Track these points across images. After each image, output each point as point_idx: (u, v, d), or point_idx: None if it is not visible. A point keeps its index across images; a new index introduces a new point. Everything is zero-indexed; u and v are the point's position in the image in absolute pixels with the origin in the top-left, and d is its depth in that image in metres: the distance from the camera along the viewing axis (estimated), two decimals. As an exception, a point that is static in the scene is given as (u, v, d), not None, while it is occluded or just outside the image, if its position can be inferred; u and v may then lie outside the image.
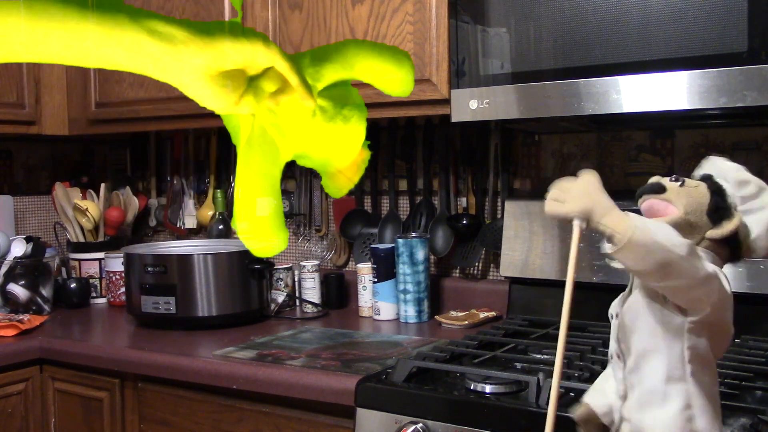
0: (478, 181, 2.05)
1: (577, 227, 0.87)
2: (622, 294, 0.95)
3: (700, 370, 0.88)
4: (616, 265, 0.93)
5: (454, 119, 1.64)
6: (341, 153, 0.74)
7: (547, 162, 1.99)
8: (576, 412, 0.97)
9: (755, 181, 0.92)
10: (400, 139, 2.16)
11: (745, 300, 1.60)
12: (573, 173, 0.90)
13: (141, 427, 1.76)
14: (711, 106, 1.36)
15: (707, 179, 0.93)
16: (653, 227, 0.85)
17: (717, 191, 0.91)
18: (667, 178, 0.93)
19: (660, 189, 0.92)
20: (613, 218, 0.84)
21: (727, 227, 0.89)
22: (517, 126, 1.94)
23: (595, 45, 1.46)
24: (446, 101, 1.68)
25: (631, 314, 0.92)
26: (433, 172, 2.12)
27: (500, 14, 1.57)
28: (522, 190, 2.02)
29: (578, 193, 0.88)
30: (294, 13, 1.92)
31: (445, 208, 2.09)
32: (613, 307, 0.96)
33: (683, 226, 0.89)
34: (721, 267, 0.91)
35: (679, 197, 0.91)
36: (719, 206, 0.90)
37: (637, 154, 1.87)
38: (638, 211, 0.93)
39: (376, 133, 2.20)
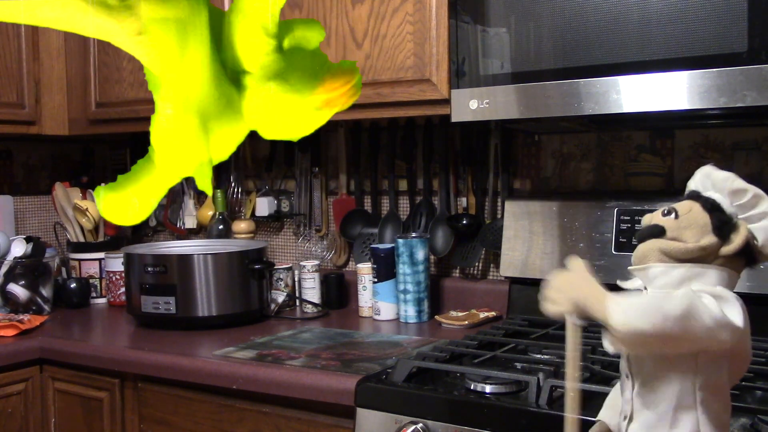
0: (478, 181, 2.05)
1: (570, 325, 0.88)
2: None
3: (711, 398, 0.87)
4: (625, 285, 0.93)
5: (454, 119, 1.64)
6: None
7: (547, 162, 1.99)
8: (591, 431, 0.96)
9: (751, 189, 0.91)
10: (400, 139, 2.16)
11: (745, 300, 1.60)
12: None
13: (141, 427, 1.76)
14: (711, 106, 1.36)
15: (696, 197, 0.92)
16: (641, 304, 0.84)
17: (713, 207, 0.90)
18: (658, 214, 0.92)
19: (660, 232, 0.91)
20: (602, 305, 0.84)
21: (737, 241, 0.89)
22: (517, 126, 1.94)
23: (595, 45, 1.46)
24: (446, 101, 1.68)
25: None
26: (433, 172, 2.12)
27: (500, 14, 1.57)
28: (522, 190, 2.02)
29: (566, 288, 0.87)
30: (294, 13, 1.92)
31: (445, 208, 2.09)
32: None
33: (697, 254, 0.89)
34: (737, 278, 0.90)
35: (681, 230, 0.90)
36: (723, 221, 0.89)
37: (637, 154, 1.88)
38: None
39: (376, 133, 2.20)
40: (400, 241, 1.97)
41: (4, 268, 2.18)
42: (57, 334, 1.97)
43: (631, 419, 0.90)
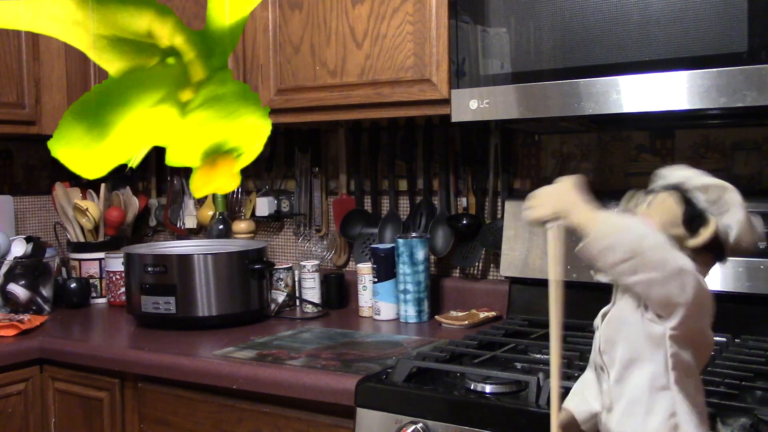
0: (478, 181, 2.05)
1: (550, 230, 0.89)
2: (605, 308, 0.96)
3: (684, 379, 0.89)
4: (599, 278, 0.94)
5: (454, 119, 1.64)
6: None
7: (547, 162, 1.99)
8: (557, 418, 0.96)
9: (716, 183, 0.93)
10: (400, 139, 2.16)
11: (745, 300, 1.60)
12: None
13: (141, 427, 1.76)
14: (711, 106, 1.36)
15: (673, 188, 0.94)
16: (622, 220, 0.86)
17: (687, 201, 0.92)
18: (641, 193, 0.95)
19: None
20: (583, 214, 0.86)
21: (704, 234, 0.90)
22: (517, 126, 1.94)
23: (595, 45, 1.46)
24: (446, 101, 1.68)
25: (614, 326, 0.93)
26: (433, 172, 2.12)
27: (500, 14, 1.57)
28: (522, 190, 2.02)
29: (549, 196, 0.90)
30: (294, 13, 1.92)
31: (445, 208, 2.09)
32: (597, 320, 0.97)
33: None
34: (706, 273, 0.91)
35: (653, 212, 0.92)
36: (693, 215, 0.91)
37: (637, 154, 1.88)
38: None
39: (376, 133, 2.20)
40: (400, 241, 1.97)
41: (4, 268, 2.18)
42: (57, 334, 1.97)
43: (610, 410, 0.91)
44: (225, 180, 0.75)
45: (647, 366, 0.89)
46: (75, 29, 0.62)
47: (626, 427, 0.90)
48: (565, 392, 1.21)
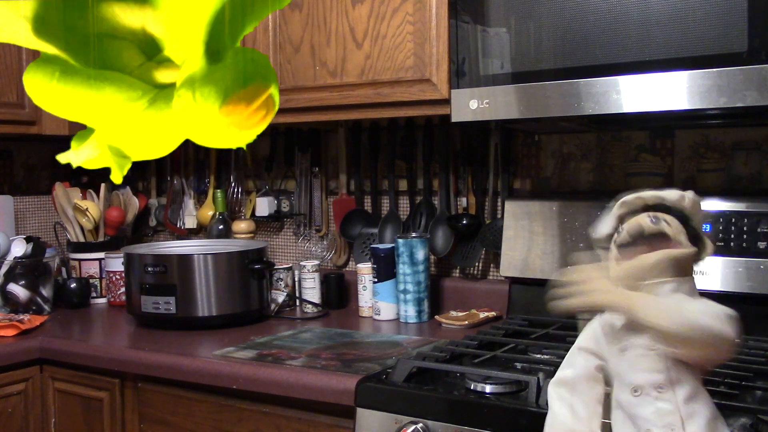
0: (478, 181, 2.05)
1: (597, 321, 0.89)
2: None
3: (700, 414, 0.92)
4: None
5: (454, 119, 1.64)
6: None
7: (547, 162, 1.99)
8: None
9: (687, 194, 0.95)
10: (400, 139, 2.16)
11: (745, 300, 1.60)
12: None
13: (141, 427, 1.76)
14: (711, 106, 1.36)
15: (667, 209, 0.94)
16: (669, 308, 0.85)
17: (685, 220, 0.93)
18: (647, 221, 0.91)
19: (663, 234, 0.91)
20: (624, 302, 0.85)
21: (710, 247, 0.92)
22: (517, 126, 1.94)
23: (595, 45, 1.46)
24: (446, 101, 1.68)
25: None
26: (433, 172, 2.12)
27: (500, 14, 1.57)
28: (522, 190, 2.02)
29: (585, 284, 0.87)
30: (294, 13, 1.92)
31: (445, 208, 2.09)
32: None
33: (693, 258, 0.92)
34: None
35: (678, 235, 0.91)
36: (695, 232, 0.93)
37: (637, 154, 1.87)
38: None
39: (376, 133, 2.20)
40: (400, 241, 1.97)
41: (4, 268, 2.18)
42: (57, 334, 1.97)
43: (683, 428, 0.89)
44: (252, 127, 0.68)
45: (698, 381, 0.91)
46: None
47: None
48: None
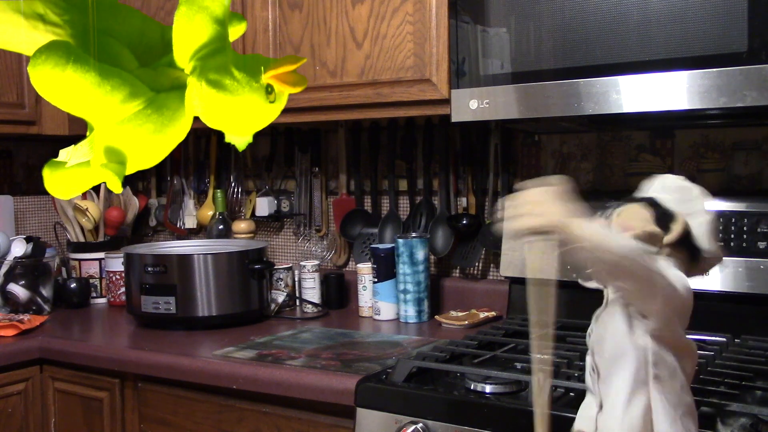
0: (478, 181, 2.05)
1: (539, 242, 0.90)
2: (597, 310, 0.98)
3: (667, 378, 0.91)
4: (585, 283, 0.98)
5: (454, 119, 1.64)
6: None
7: (547, 162, 1.98)
8: None
9: (687, 186, 0.98)
10: (400, 139, 2.16)
11: (745, 300, 1.60)
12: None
13: (141, 427, 1.76)
14: (711, 106, 1.36)
15: (632, 200, 0.98)
16: (605, 232, 0.89)
17: (652, 203, 0.96)
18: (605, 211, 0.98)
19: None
20: (573, 226, 0.88)
21: (676, 228, 0.94)
22: (517, 126, 1.94)
23: (595, 45, 1.46)
24: (446, 101, 1.68)
25: (604, 324, 0.96)
26: (433, 172, 2.12)
27: (500, 14, 1.57)
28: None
29: (537, 205, 0.89)
30: (294, 13, 1.92)
31: (445, 208, 2.09)
32: (591, 325, 1.00)
33: (645, 239, 0.94)
34: (685, 269, 0.95)
35: (626, 222, 0.95)
36: (662, 212, 0.95)
37: (637, 154, 1.88)
38: None
39: (376, 133, 2.20)
40: (400, 241, 1.97)
41: (4, 268, 2.18)
42: (57, 334, 1.97)
43: (602, 409, 0.94)
44: (265, 113, 0.67)
45: (630, 362, 0.91)
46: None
47: (609, 423, 0.91)
48: (565, 391, 1.21)
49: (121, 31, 0.65)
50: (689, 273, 0.95)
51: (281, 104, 0.67)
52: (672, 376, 0.91)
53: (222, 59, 0.63)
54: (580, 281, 0.98)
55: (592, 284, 0.97)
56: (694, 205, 0.97)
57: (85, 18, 0.62)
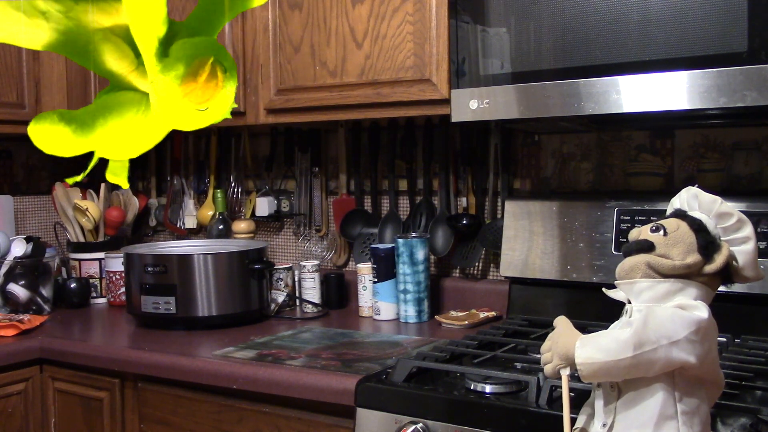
0: (478, 181, 2.05)
1: (564, 377, 0.96)
2: (615, 323, 0.98)
3: (692, 412, 0.92)
4: (611, 294, 1.01)
5: (454, 119, 1.64)
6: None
7: (547, 162, 1.98)
8: None
9: (736, 214, 0.97)
10: (400, 139, 2.16)
11: (745, 300, 1.60)
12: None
13: (141, 427, 1.76)
14: (711, 106, 1.36)
15: (682, 216, 0.97)
16: (600, 344, 0.91)
17: (699, 228, 0.96)
18: (647, 229, 0.97)
19: (649, 247, 0.96)
20: (574, 351, 0.93)
21: (719, 260, 0.94)
22: (517, 126, 1.94)
23: (595, 45, 1.46)
24: (446, 101, 1.68)
25: None
26: (433, 172, 2.12)
27: (500, 14, 1.57)
28: (522, 190, 2.02)
29: (556, 345, 0.96)
30: (294, 13, 1.92)
31: (445, 208, 2.09)
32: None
33: (682, 271, 0.93)
34: (713, 295, 0.96)
35: (668, 247, 0.95)
36: (707, 241, 0.95)
37: (637, 154, 1.87)
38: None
39: (376, 133, 2.20)
40: (400, 241, 1.97)
41: (4, 268, 2.18)
42: (57, 334, 1.97)
43: (611, 427, 0.94)
44: (218, 101, 0.69)
45: (659, 393, 0.91)
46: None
47: None
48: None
49: (121, 29, 0.65)
50: (712, 296, 0.96)
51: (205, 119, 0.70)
52: (697, 409, 0.93)
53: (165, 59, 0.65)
54: (604, 290, 1.00)
55: (616, 295, 0.98)
56: (739, 233, 0.96)
57: (86, 15, 0.63)
